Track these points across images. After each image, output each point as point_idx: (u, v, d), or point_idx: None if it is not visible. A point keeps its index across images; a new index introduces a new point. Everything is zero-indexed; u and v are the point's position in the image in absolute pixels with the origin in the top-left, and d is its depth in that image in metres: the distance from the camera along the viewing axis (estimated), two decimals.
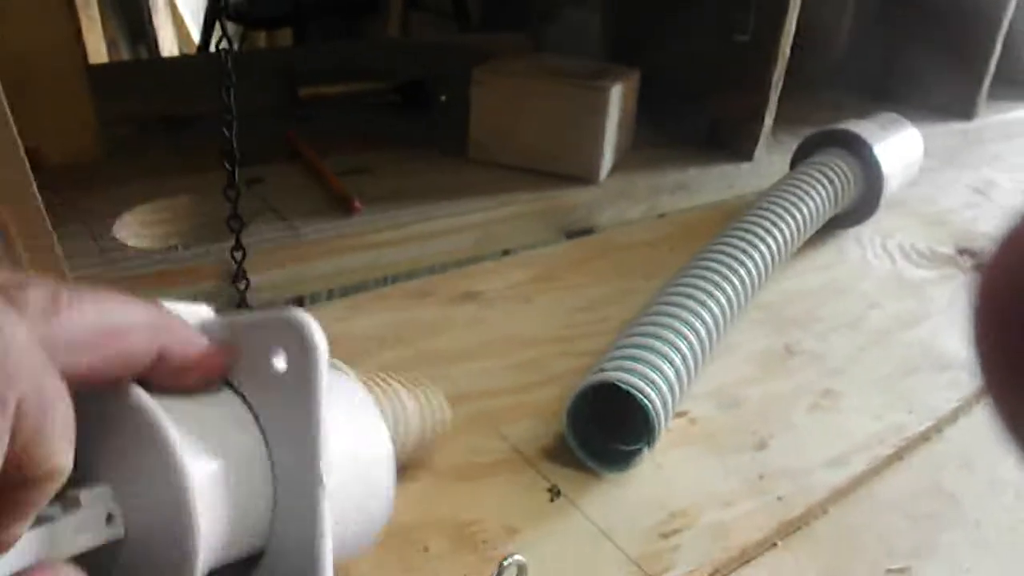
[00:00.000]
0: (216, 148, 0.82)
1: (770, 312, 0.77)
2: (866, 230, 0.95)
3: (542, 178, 0.94)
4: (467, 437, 0.58)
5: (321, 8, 2.36)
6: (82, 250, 0.76)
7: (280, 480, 0.35)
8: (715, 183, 1.04)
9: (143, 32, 2.55)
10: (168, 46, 2.65)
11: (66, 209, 0.65)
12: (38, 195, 0.64)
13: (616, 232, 0.91)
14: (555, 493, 0.54)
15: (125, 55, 2.47)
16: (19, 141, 0.62)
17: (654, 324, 0.61)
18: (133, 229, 0.82)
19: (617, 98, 0.93)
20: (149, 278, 0.74)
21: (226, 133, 0.69)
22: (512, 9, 1.60)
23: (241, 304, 0.73)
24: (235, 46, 0.68)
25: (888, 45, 1.43)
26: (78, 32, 0.88)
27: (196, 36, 2.70)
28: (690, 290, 0.65)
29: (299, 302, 0.75)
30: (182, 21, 2.71)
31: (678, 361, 0.58)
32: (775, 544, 0.53)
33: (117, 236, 0.80)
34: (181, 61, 2.08)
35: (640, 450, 0.55)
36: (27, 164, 0.63)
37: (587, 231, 0.90)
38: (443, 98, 1.17)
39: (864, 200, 0.91)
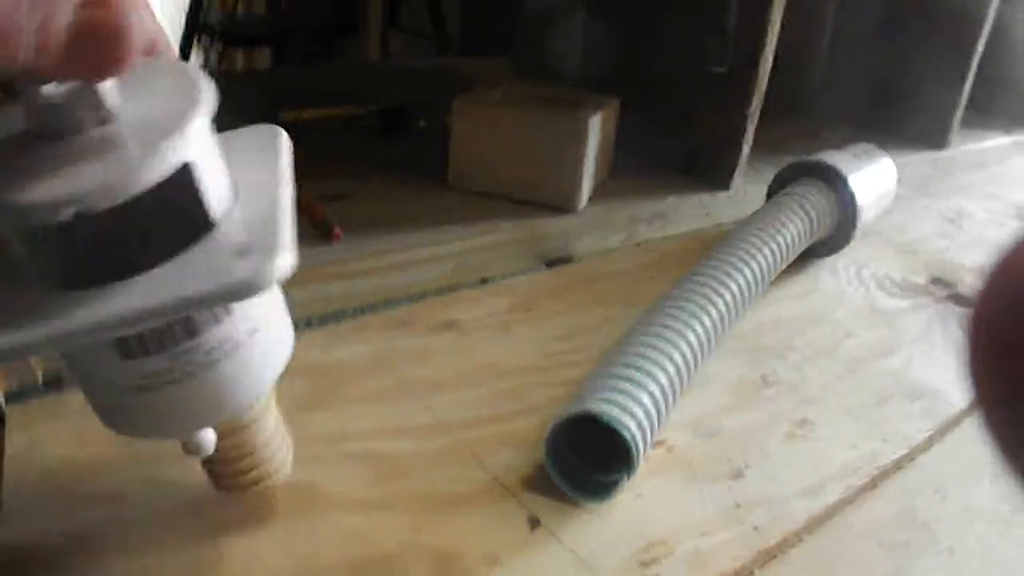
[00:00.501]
0: None
1: (746, 342, 0.78)
2: (841, 259, 0.96)
3: (521, 206, 0.95)
4: (447, 467, 0.59)
5: (300, 28, 2.37)
6: None
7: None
8: (693, 212, 1.05)
9: None
10: None
11: None
12: None
13: (595, 261, 0.92)
14: (535, 523, 0.55)
15: None
16: None
17: (633, 354, 0.61)
18: None
19: (596, 127, 0.94)
20: None
21: None
22: (491, 31, 1.61)
23: None
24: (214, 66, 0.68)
25: (863, 73, 1.45)
26: None
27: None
28: (669, 320, 0.66)
29: None
30: None
31: (657, 391, 0.59)
32: (752, 573, 0.54)
33: None
34: None
35: (619, 480, 0.56)
36: None
37: (566, 259, 0.91)
38: (422, 124, 1.18)
39: (839, 230, 0.93)
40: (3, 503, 0.54)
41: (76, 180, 0.31)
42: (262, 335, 0.41)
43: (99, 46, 0.30)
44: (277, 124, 0.44)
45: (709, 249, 0.79)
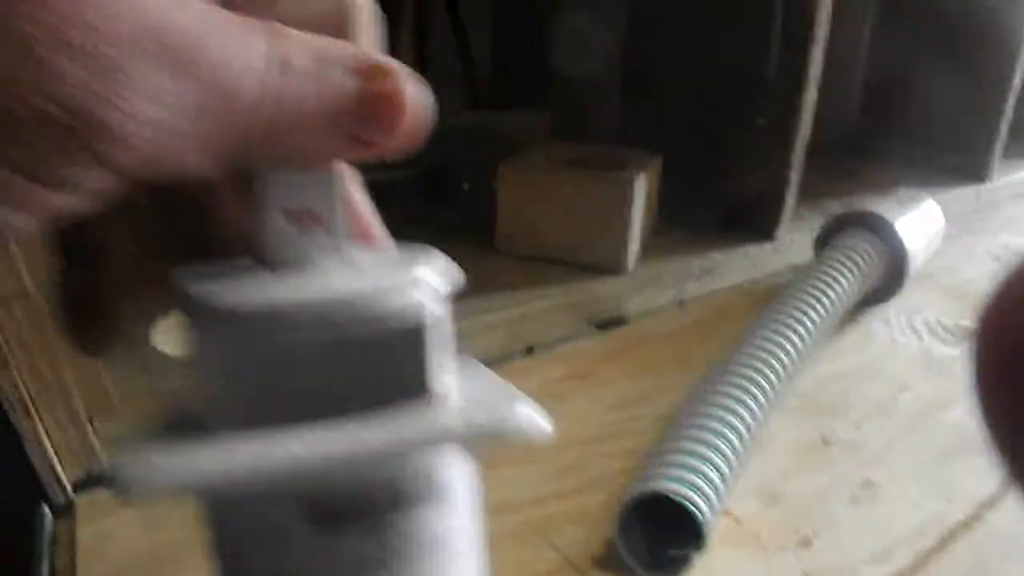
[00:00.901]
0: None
1: (803, 400, 0.77)
2: (891, 308, 0.96)
3: (570, 269, 0.95)
4: (516, 549, 0.59)
5: None
6: (122, 361, 0.76)
7: None
8: (739, 264, 1.05)
9: None
10: None
11: None
12: None
13: (646, 321, 0.92)
14: None
15: None
16: None
17: (696, 427, 0.62)
18: (168, 336, 0.82)
19: (641, 187, 0.94)
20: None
21: None
22: (522, 78, 1.61)
23: None
24: None
25: (901, 109, 1.44)
26: None
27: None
28: (728, 388, 0.66)
29: None
30: None
31: (723, 463, 0.59)
32: None
33: (154, 343, 0.80)
34: None
35: (689, 556, 0.56)
36: None
37: (617, 321, 0.91)
38: (466, 187, 1.18)
39: (890, 279, 0.92)
40: None
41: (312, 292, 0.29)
42: (464, 558, 0.35)
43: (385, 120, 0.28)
44: None
45: (758, 304, 0.79)
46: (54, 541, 0.63)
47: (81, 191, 0.22)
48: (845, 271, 0.84)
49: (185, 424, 0.30)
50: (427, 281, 0.31)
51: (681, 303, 0.97)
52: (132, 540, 0.60)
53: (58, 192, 0.22)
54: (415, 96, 0.28)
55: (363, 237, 0.34)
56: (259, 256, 0.31)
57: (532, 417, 0.30)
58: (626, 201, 0.92)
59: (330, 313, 0.29)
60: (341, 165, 0.31)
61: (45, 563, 0.61)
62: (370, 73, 0.27)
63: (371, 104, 0.27)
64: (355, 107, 0.27)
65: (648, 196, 0.98)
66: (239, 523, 0.31)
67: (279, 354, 0.30)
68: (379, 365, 0.31)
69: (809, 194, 1.12)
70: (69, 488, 0.65)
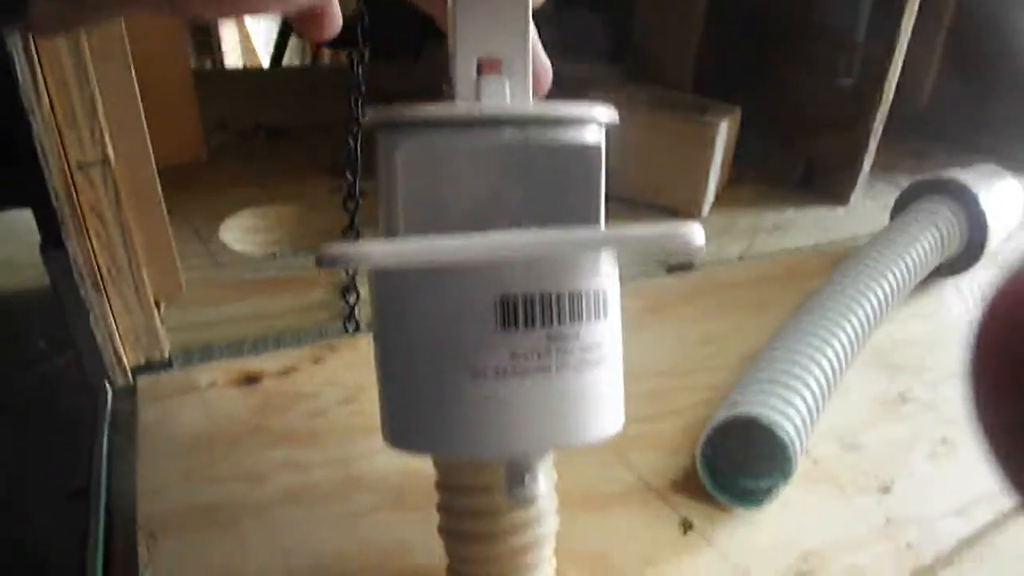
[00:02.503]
0: (315, 158, 0.81)
1: (880, 357, 0.76)
2: (965, 281, 0.94)
3: (644, 211, 0.94)
4: (592, 466, 0.58)
5: (392, 28, 2.37)
6: (191, 251, 0.76)
7: None
8: (810, 225, 1.03)
9: (208, 45, 2.57)
10: (232, 57, 2.67)
11: (171, 209, 0.65)
12: (162, 198, 0.65)
13: (717, 269, 0.90)
14: (687, 526, 0.54)
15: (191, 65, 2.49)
16: (149, 144, 0.63)
17: (782, 361, 0.60)
18: (238, 234, 0.82)
19: (723, 133, 0.92)
20: (258, 284, 0.74)
21: (350, 143, 0.69)
22: (594, 36, 1.59)
23: (350, 318, 0.73)
24: (362, 60, 0.68)
25: (972, 95, 1.42)
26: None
27: (260, 50, 2.72)
28: (813, 328, 0.64)
29: None
30: (248, 35, 2.73)
31: (809, 399, 0.57)
32: None
33: (224, 240, 0.80)
34: (277, 73, 2.09)
35: (775, 487, 0.54)
36: (155, 169, 0.64)
37: (687, 266, 0.89)
38: None
39: (967, 250, 0.90)
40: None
41: None
42: (617, 371, 0.38)
43: None
44: None
45: (828, 265, 0.77)
46: (114, 419, 0.62)
47: None
48: (928, 234, 0.82)
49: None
50: (599, 115, 0.35)
51: (751, 256, 0.95)
52: (193, 423, 0.60)
53: None
54: None
55: (538, 86, 0.38)
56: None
57: (692, 225, 0.32)
58: (708, 145, 0.91)
59: (523, 122, 0.33)
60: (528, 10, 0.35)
61: (104, 440, 0.60)
62: None
63: None
64: None
65: (727, 145, 0.97)
66: (433, 303, 0.34)
67: (475, 162, 0.36)
68: (561, 176, 0.36)
69: (882, 167, 1.11)
70: (130, 370, 0.64)
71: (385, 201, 0.35)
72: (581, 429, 0.36)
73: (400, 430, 0.37)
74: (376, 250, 0.30)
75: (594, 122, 0.35)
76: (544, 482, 0.37)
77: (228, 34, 2.64)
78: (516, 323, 0.33)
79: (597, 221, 0.36)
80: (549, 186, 0.37)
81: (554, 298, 0.33)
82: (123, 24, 0.58)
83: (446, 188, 0.37)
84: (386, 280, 0.35)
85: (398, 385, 0.36)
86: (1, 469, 0.66)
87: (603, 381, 0.36)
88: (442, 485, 0.42)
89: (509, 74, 0.35)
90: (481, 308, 0.33)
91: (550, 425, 0.35)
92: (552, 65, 0.41)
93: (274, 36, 2.26)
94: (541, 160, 0.36)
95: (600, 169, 0.36)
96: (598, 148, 0.35)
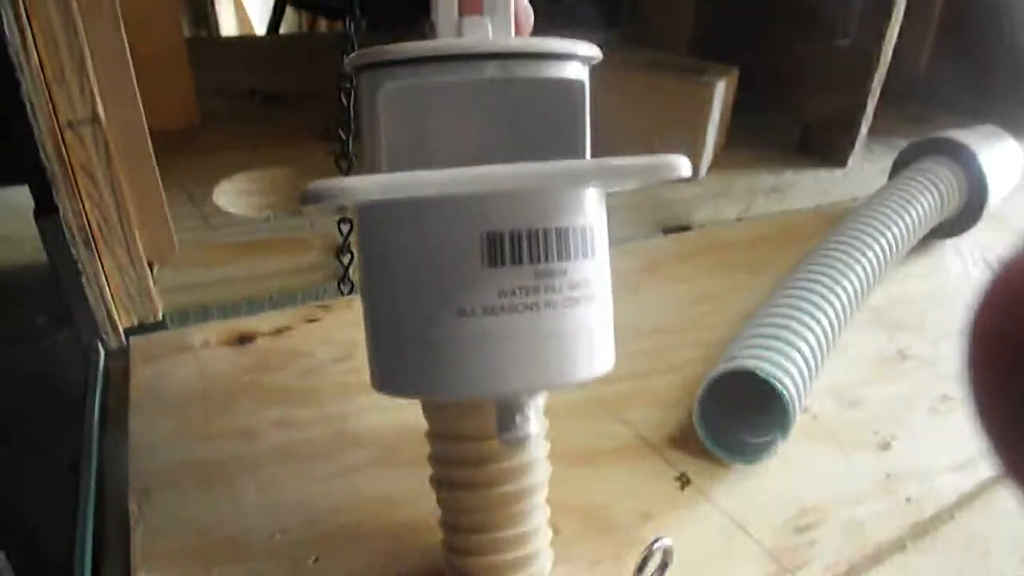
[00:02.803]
0: (309, 123, 0.81)
1: (878, 315, 0.75)
2: (964, 242, 0.93)
3: None
4: (587, 422, 0.58)
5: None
6: (185, 214, 0.76)
7: None
8: (809, 188, 1.03)
9: (204, 15, 2.57)
10: (228, 28, 2.67)
11: (164, 172, 0.65)
12: (154, 159, 0.64)
13: (714, 230, 0.90)
14: (685, 481, 0.53)
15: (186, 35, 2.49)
16: (140, 103, 0.62)
17: (780, 316, 0.60)
18: (231, 197, 0.81)
19: (720, 94, 0.92)
20: (252, 246, 0.74)
21: (343, 101, 0.68)
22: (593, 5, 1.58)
23: (344, 278, 0.72)
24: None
25: (971, 61, 1.41)
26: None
27: (255, 20, 2.71)
28: (811, 285, 0.64)
29: None
30: (241, 5, 2.73)
31: (807, 353, 0.57)
32: (905, 546, 0.52)
33: (216, 202, 0.79)
34: (270, 40, 2.08)
35: (773, 441, 0.53)
36: (146, 130, 0.63)
37: (684, 227, 0.89)
38: None
39: (966, 210, 0.90)
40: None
41: None
42: (607, 311, 0.38)
43: None
44: None
45: (826, 226, 0.77)
46: (107, 379, 0.61)
47: None
48: (927, 192, 0.81)
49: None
50: (582, 50, 0.35)
51: (748, 218, 0.94)
52: (186, 382, 0.59)
53: None
54: None
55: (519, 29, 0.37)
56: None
57: (678, 157, 0.33)
58: (705, 105, 0.90)
59: (505, 57, 0.33)
60: None
61: (96, 398, 0.59)
62: None
63: None
64: None
65: (724, 106, 0.96)
66: (418, 240, 0.33)
67: (457, 98, 0.36)
68: (544, 112, 0.36)
69: (879, 131, 1.10)
70: (122, 330, 0.64)
71: (369, 141, 0.35)
72: (571, 367, 0.35)
73: (387, 373, 0.37)
74: (359, 184, 0.29)
75: (576, 58, 0.35)
76: (535, 424, 0.36)
77: (224, 7, 2.64)
78: (503, 260, 0.33)
79: (583, 155, 0.36)
80: (533, 122, 0.37)
81: (541, 234, 0.33)
82: None
83: (429, 125, 0.37)
84: (370, 218, 0.35)
85: (384, 327, 0.36)
86: (1, 442, 0.66)
87: (592, 319, 0.36)
88: (432, 434, 0.41)
89: (491, 14, 0.35)
90: (467, 245, 0.33)
91: (540, 363, 0.34)
92: (543, 23, 0.40)
93: (270, 8, 2.26)
94: (524, 95, 0.37)
95: (584, 104, 0.36)
96: (581, 83, 0.35)
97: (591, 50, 0.35)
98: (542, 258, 0.33)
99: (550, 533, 0.44)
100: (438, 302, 0.33)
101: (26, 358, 0.72)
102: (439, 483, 0.42)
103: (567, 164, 0.33)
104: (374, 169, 0.35)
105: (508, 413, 0.35)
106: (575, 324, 0.35)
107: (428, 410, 0.41)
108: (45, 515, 0.61)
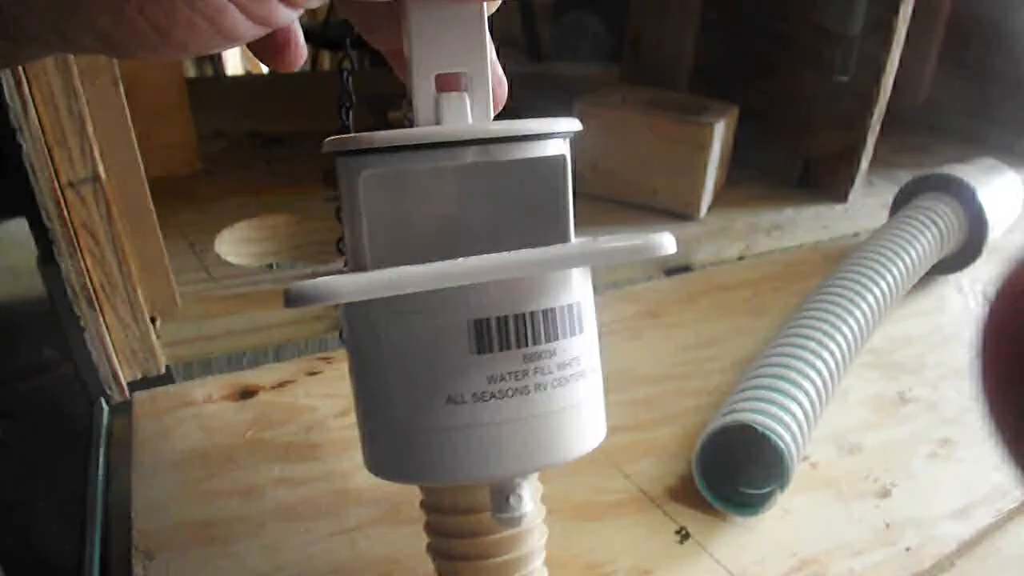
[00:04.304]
0: (311, 167, 0.81)
1: (879, 357, 0.75)
2: (965, 277, 0.93)
3: (640, 212, 0.94)
4: (589, 476, 0.58)
5: None
6: (186, 264, 0.76)
7: None
8: (810, 224, 1.03)
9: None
10: (233, 64, 2.68)
11: (166, 222, 0.65)
12: (154, 213, 0.65)
13: (715, 271, 0.90)
14: (684, 535, 0.53)
15: (191, 73, 2.49)
16: (140, 159, 0.63)
17: (778, 365, 0.60)
18: (233, 246, 0.82)
19: (720, 134, 0.92)
20: (254, 297, 0.74)
21: None
22: (586, 42, 1.59)
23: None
24: (352, 66, 0.68)
25: (972, 89, 1.41)
26: None
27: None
28: (809, 332, 0.64)
29: None
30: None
31: (806, 403, 0.57)
32: None
33: (218, 252, 0.80)
34: (271, 79, 2.09)
35: (772, 493, 0.54)
36: (146, 185, 0.64)
37: (684, 268, 0.89)
38: None
39: (967, 246, 0.90)
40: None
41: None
42: (596, 382, 0.38)
43: None
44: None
45: (831, 262, 0.77)
46: (110, 434, 0.62)
47: None
48: (926, 231, 0.82)
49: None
50: (562, 127, 0.35)
51: (749, 257, 0.94)
52: (188, 439, 0.60)
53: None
54: None
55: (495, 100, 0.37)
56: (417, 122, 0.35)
57: (663, 235, 0.34)
58: (704, 145, 0.91)
59: (486, 142, 0.33)
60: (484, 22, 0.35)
61: (101, 453, 0.60)
62: None
63: None
64: None
65: (724, 145, 0.97)
66: (404, 332, 0.34)
67: (438, 183, 0.37)
68: (527, 191, 0.36)
69: (880, 164, 1.10)
70: (126, 385, 0.64)
71: (350, 230, 0.35)
72: (563, 447, 0.36)
73: (379, 460, 0.37)
74: (343, 284, 0.30)
75: (557, 135, 0.35)
76: (530, 502, 0.36)
77: None
78: (491, 346, 0.33)
79: (567, 233, 0.36)
80: (516, 201, 0.37)
81: (528, 318, 0.34)
82: None
83: (411, 212, 0.37)
84: (357, 313, 0.35)
85: (373, 416, 0.36)
86: (8, 475, 0.66)
87: (583, 396, 0.36)
88: (427, 505, 0.41)
89: (469, 90, 0.35)
90: (454, 334, 0.33)
91: (532, 446, 0.35)
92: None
93: None
94: (506, 177, 0.37)
95: (566, 181, 0.36)
96: (563, 159, 0.35)
97: (572, 125, 0.35)
98: (530, 341, 0.34)
99: None
100: (427, 391, 0.33)
101: (32, 389, 0.73)
102: (435, 552, 0.42)
103: (551, 252, 0.32)
104: (356, 256, 0.35)
105: (503, 494, 0.36)
106: (566, 403, 0.35)
107: (427, 487, 0.41)
108: (52, 547, 0.61)
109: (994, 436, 0.20)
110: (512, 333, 0.33)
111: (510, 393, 0.34)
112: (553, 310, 0.34)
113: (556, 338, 0.34)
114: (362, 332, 0.35)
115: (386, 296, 0.30)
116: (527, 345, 0.34)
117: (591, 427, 0.38)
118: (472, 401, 0.33)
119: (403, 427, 0.34)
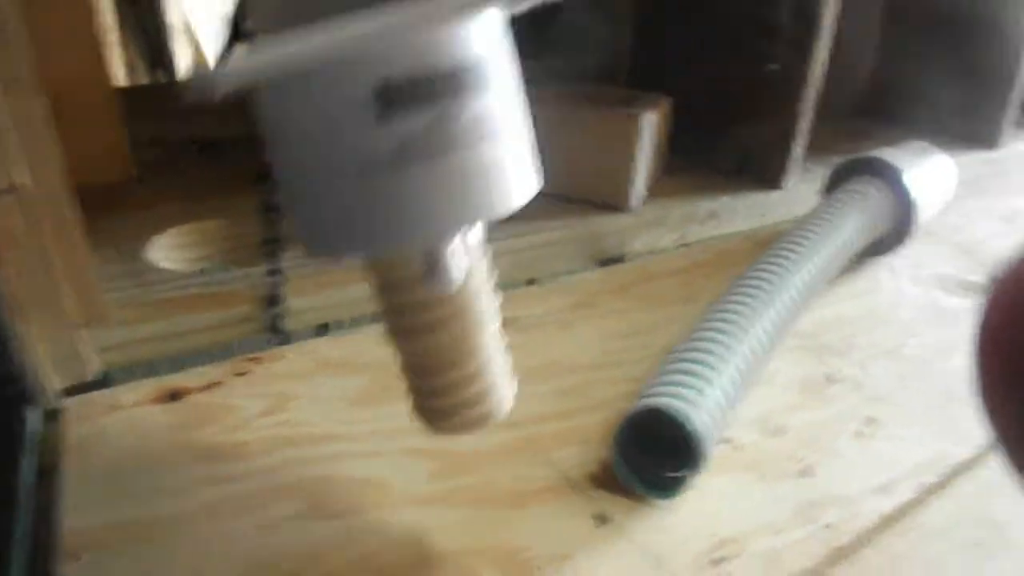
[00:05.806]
0: (247, 171, 0.81)
1: (807, 339, 0.76)
2: (898, 259, 0.95)
3: (574, 206, 0.95)
4: (511, 464, 0.58)
5: None
6: (117, 272, 0.76)
7: None
8: (746, 212, 1.04)
9: (161, 57, 2.56)
10: (185, 71, 2.67)
11: (97, 232, 0.65)
12: (81, 222, 0.65)
13: (649, 260, 0.91)
14: (602, 520, 0.54)
15: (144, 80, 2.48)
16: (64, 168, 0.63)
17: (698, 350, 0.60)
18: (164, 252, 0.82)
19: (649, 125, 0.93)
20: (183, 301, 0.74)
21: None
22: (525, 35, 1.59)
23: (273, 329, 0.73)
24: None
25: (911, 74, 1.43)
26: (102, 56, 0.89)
27: (211, 60, 2.71)
28: (732, 316, 0.65)
29: (336, 327, 0.74)
30: (199, 46, 2.72)
31: (724, 387, 0.58)
32: (824, 573, 0.53)
33: (150, 259, 0.80)
34: None
35: (687, 476, 0.54)
36: (73, 194, 0.64)
37: (618, 259, 0.90)
38: None
39: (897, 228, 0.91)
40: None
41: None
42: (518, 141, 0.37)
43: None
44: None
45: (764, 248, 0.78)
46: (42, 441, 0.62)
47: None
48: (853, 213, 0.83)
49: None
50: None
51: (684, 245, 0.95)
52: (121, 443, 0.60)
53: None
54: None
55: None
56: None
57: None
58: (633, 138, 0.91)
59: None
60: None
61: (30, 460, 0.60)
62: None
63: None
64: None
65: (656, 136, 0.97)
66: (307, 108, 0.33)
67: None
68: None
69: (819, 149, 1.11)
70: (57, 393, 0.64)
71: None
72: (484, 204, 0.36)
73: (312, 241, 0.37)
74: (248, 63, 0.29)
75: None
76: (459, 270, 0.37)
77: (181, 46, 2.64)
78: (396, 111, 0.32)
79: None
80: None
81: (430, 77, 0.33)
82: (33, 48, 0.58)
83: None
84: (265, 105, 0.35)
85: (300, 201, 0.36)
86: None
87: (500, 153, 0.36)
88: (372, 285, 0.42)
89: None
90: (358, 104, 0.32)
91: (452, 206, 0.35)
92: None
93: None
94: None
95: None
96: None
97: None
98: (435, 100, 0.33)
99: (510, 359, 0.46)
100: (341, 167, 0.33)
101: None
102: (389, 332, 0.43)
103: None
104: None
105: (431, 259, 0.37)
106: (482, 162, 0.35)
107: (364, 265, 0.41)
108: None
109: (991, 435, 0.20)
110: (415, 94, 0.33)
111: (422, 156, 0.33)
112: (456, 67, 0.33)
113: (462, 96, 0.34)
114: (268, 117, 0.35)
115: (289, 72, 0.30)
116: (432, 105, 0.33)
117: (515, 183, 0.37)
118: (386, 168, 0.33)
119: (325, 205, 0.35)
